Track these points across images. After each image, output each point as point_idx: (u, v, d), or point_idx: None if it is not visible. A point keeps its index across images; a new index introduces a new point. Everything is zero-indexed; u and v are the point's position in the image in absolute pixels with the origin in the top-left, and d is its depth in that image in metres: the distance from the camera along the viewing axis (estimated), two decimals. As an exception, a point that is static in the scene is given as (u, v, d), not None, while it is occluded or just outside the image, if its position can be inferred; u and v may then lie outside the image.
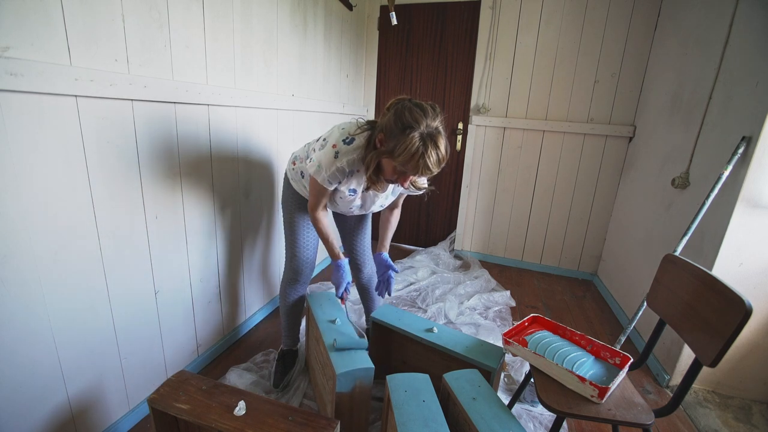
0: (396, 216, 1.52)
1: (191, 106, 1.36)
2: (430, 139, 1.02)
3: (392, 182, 1.17)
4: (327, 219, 1.36)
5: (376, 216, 1.58)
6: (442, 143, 1.04)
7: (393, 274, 1.44)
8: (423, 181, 1.30)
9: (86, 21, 0.98)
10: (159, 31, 1.19)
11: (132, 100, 1.13)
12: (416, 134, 1.01)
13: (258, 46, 1.67)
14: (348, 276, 1.35)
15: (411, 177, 1.13)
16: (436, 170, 1.05)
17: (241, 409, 0.95)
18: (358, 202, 1.33)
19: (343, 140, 1.16)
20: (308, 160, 1.26)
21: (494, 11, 2.58)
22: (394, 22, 2.37)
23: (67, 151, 0.98)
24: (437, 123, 1.04)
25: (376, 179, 1.17)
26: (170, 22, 1.23)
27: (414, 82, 2.93)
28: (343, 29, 2.51)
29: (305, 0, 2.00)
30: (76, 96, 0.97)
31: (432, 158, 1.02)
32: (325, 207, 1.34)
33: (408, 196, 1.49)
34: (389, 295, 1.46)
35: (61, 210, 0.99)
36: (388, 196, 1.37)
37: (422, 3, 2.76)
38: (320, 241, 1.52)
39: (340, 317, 1.39)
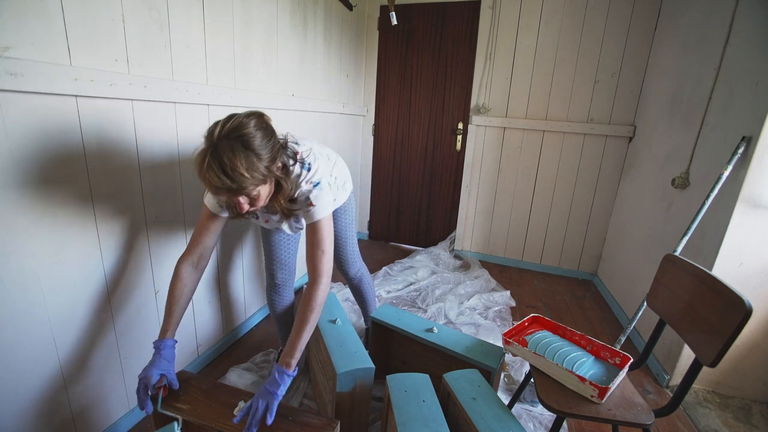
0: (314, 299, 1.03)
1: (191, 106, 1.36)
2: (203, 151, 0.86)
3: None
4: (186, 277, 1.07)
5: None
6: (207, 158, 0.83)
7: (271, 402, 0.92)
8: (312, 194, 1.06)
9: (86, 21, 0.98)
10: (159, 31, 1.19)
11: (132, 100, 1.13)
12: (202, 147, 0.87)
13: (258, 46, 1.67)
14: (159, 366, 0.95)
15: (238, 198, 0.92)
16: (216, 181, 0.84)
17: (240, 409, 0.95)
18: (261, 220, 1.24)
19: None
20: None
21: (494, 11, 2.58)
22: (394, 22, 2.37)
23: (67, 151, 0.98)
24: (224, 132, 0.85)
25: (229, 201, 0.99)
26: (170, 22, 1.23)
27: (414, 82, 2.93)
28: (343, 29, 2.51)
29: (305, 0, 2.00)
30: (76, 96, 0.97)
31: (200, 170, 0.85)
32: (192, 257, 1.09)
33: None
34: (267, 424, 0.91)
35: (60, 210, 0.99)
36: (287, 220, 1.19)
37: (422, 3, 2.76)
38: (300, 239, 1.44)
39: (340, 317, 1.39)
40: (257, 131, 0.89)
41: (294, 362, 0.98)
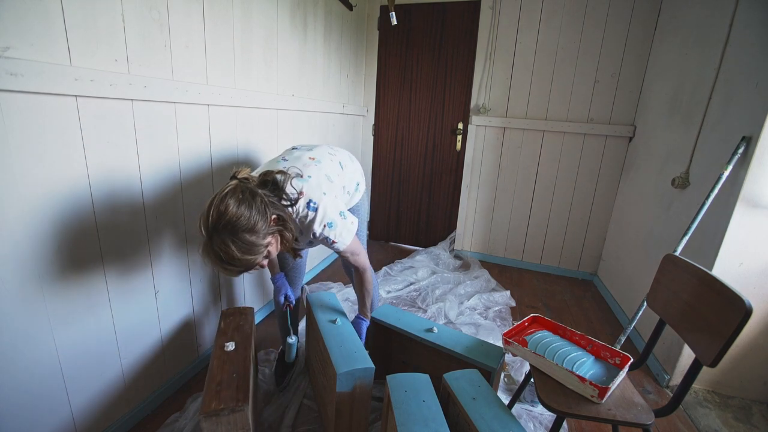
0: (365, 280, 1.34)
1: (191, 106, 1.36)
2: (204, 246, 0.92)
3: None
4: None
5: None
6: (210, 255, 0.90)
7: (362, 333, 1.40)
8: (324, 234, 1.14)
9: (86, 21, 0.98)
10: (159, 31, 1.19)
11: (132, 100, 1.13)
12: (201, 245, 0.93)
13: (258, 46, 1.67)
14: (283, 288, 1.37)
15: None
16: (229, 272, 0.94)
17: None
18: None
19: None
20: None
21: (494, 11, 2.58)
22: (394, 22, 2.37)
23: (68, 151, 0.98)
24: (210, 227, 0.89)
25: None
26: (170, 22, 1.23)
27: (414, 82, 2.93)
28: (343, 29, 2.51)
29: (305, 0, 2.00)
30: (76, 96, 0.97)
31: (212, 264, 0.92)
32: None
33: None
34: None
35: (61, 210, 0.99)
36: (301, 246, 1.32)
37: (422, 3, 2.76)
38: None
39: (340, 317, 1.39)
40: (238, 209, 0.90)
41: (366, 313, 1.40)
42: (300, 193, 1.09)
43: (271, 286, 2.06)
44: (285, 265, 1.47)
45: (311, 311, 1.47)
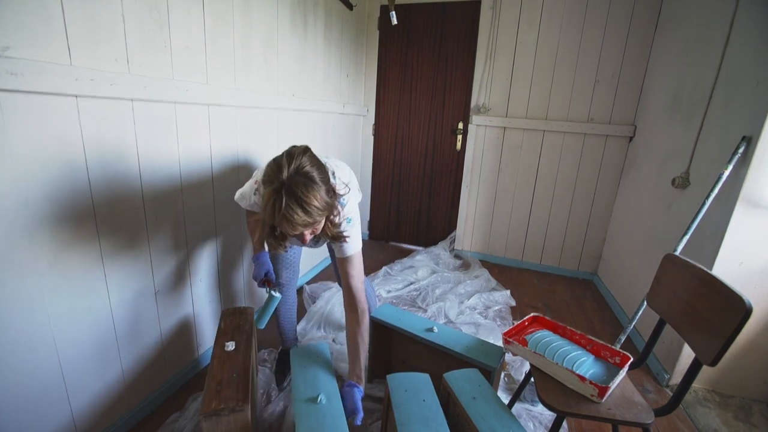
0: (363, 324, 1.20)
1: (191, 106, 1.36)
2: (274, 192, 0.89)
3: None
4: (254, 218, 1.32)
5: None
6: (284, 197, 0.87)
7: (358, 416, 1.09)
8: (342, 228, 1.13)
9: (86, 21, 0.98)
10: (159, 31, 1.19)
11: (132, 100, 1.13)
12: (271, 188, 0.90)
13: (258, 45, 1.67)
14: (266, 265, 1.29)
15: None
16: (298, 219, 0.89)
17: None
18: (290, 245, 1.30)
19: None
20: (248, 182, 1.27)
21: (494, 11, 2.58)
22: (394, 21, 2.37)
23: (67, 151, 0.98)
24: (291, 172, 0.89)
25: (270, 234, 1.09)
26: (170, 22, 1.23)
27: (414, 81, 2.93)
28: (343, 29, 2.51)
29: (305, 0, 2.00)
30: (76, 96, 0.97)
31: (277, 210, 0.88)
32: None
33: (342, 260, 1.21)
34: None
35: (60, 210, 0.99)
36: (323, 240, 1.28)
37: (422, 3, 2.76)
38: (304, 245, 1.50)
39: (326, 391, 1.07)
40: (313, 167, 0.94)
41: (360, 377, 1.18)
42: (335, 185, 1.08)
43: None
44: (276, 260, 1.43)
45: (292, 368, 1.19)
